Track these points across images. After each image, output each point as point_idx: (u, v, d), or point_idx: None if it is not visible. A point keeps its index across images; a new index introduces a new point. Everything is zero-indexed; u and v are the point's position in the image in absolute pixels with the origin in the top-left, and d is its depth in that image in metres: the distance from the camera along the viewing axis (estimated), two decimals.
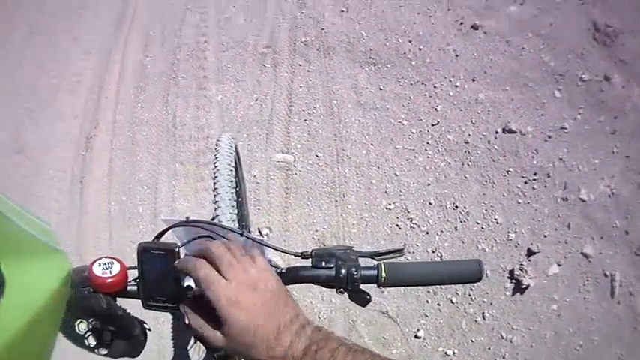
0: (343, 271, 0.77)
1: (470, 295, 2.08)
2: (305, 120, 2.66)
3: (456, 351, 2.02)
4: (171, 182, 2.70)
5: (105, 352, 0.77)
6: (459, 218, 2.21)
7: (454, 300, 2.08)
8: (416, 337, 2.08)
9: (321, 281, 0.80)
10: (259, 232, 2.40)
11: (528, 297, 2.02)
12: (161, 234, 0.83)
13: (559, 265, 2.02)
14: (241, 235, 0.85)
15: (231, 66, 3.01)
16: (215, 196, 1.47)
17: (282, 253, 0.82)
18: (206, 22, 3.29)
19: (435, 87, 2.53)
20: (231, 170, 1.55)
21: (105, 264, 0.77)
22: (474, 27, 2.60)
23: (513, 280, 2.04)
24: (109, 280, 0.76)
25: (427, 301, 2.12)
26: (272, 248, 0.88)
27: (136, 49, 3.38)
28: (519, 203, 2.16)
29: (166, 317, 2.24)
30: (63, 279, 0.62)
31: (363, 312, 2.12)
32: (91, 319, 0.75)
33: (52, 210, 2.88)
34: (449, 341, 2.04)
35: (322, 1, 3.03)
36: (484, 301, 2.05)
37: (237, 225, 1.43)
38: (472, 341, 2.02)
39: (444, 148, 2.38)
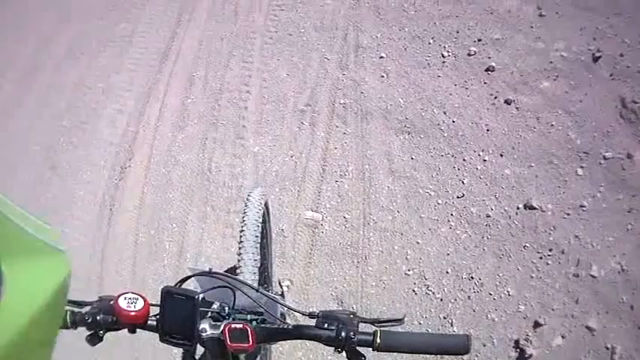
0: (343, 333, 0.88)
1: None
2: (337, 181, 2.73)
3: None
4: (200, 224, 2.77)
5: None
6: (473, 288, 2.25)
7: None
8: None
9: (322, 340, 0.90)
10: (280, 284, 2.46)
11: None
12: (184, 280, 0.96)
13: (563, 337, 2.05)
14: (257, 290, 0.98)
15: (270, 119, 3.10)
16: (240, 248, 1.56)
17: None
18: (250, 71, 3.40)
19: (464, 160, 2.61)
20: (258, 225, 1.65)
21: (130, 299, 0.88)
22: (507, 102, 2.70)
23: (517, 350, 2.08)
24: (133, 313, 0.87)
25: None
26: (283, 306, 1.02)
27: (178, 88, 3.49)
28: (532, 277, 2.20)
29: (178, 351, 2.28)
30: (63, 279, 0.62)
31: None
32: None
33: (76, 229, 2.96)
34: None
35: (364, 64, 3.16)
36: None
37: (257, 277, 1.52)
38: None
39: (466, 221, 2.44)
